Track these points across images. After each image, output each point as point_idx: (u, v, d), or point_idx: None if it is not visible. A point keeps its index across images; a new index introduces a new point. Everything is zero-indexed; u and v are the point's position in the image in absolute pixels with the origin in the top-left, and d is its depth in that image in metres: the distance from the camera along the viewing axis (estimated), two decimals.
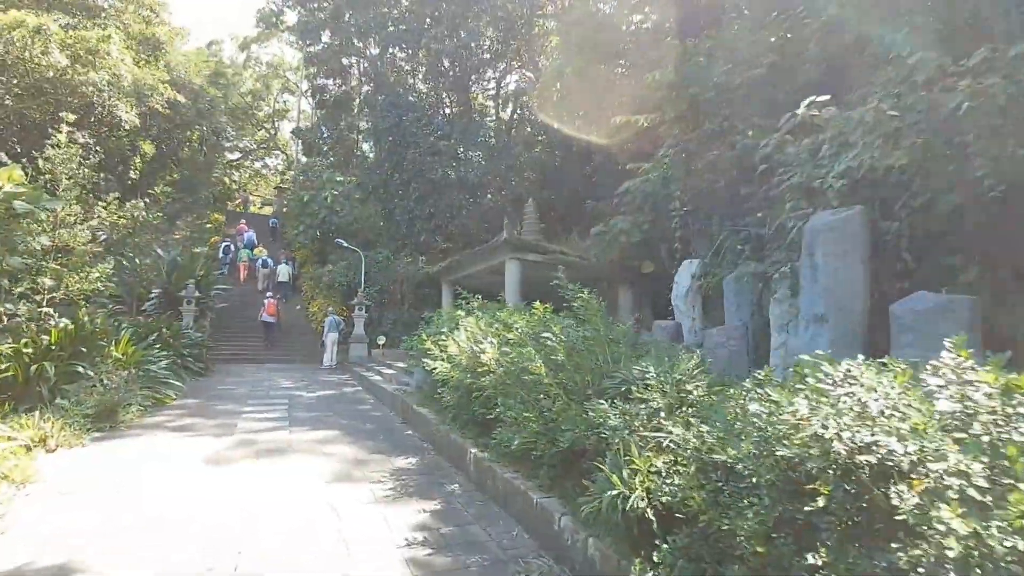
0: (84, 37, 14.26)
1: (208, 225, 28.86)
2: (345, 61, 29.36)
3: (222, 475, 5.27)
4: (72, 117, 8.61)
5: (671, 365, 4.05)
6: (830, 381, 2.47)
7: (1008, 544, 1.71)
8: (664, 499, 2.80)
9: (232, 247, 23.93)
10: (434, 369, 5.86)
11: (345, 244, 17.97)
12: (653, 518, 2.79)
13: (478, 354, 5.50)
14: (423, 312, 18.56)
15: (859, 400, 2.25)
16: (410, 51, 27.66)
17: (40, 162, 7.90)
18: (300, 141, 31.49)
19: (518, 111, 28.07)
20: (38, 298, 7.45)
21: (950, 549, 1.73)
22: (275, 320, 17.77)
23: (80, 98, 15.93)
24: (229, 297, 19.40)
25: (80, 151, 8.55)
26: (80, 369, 7.08)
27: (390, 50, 28.52)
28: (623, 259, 12.68)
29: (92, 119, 18.81)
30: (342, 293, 18.36)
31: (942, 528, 1.78)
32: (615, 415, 3.49)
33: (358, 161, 27.76)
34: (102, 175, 20.96)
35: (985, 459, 1.98)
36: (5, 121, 15.62)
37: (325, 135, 29.81)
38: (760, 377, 3.20)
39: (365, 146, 31.06)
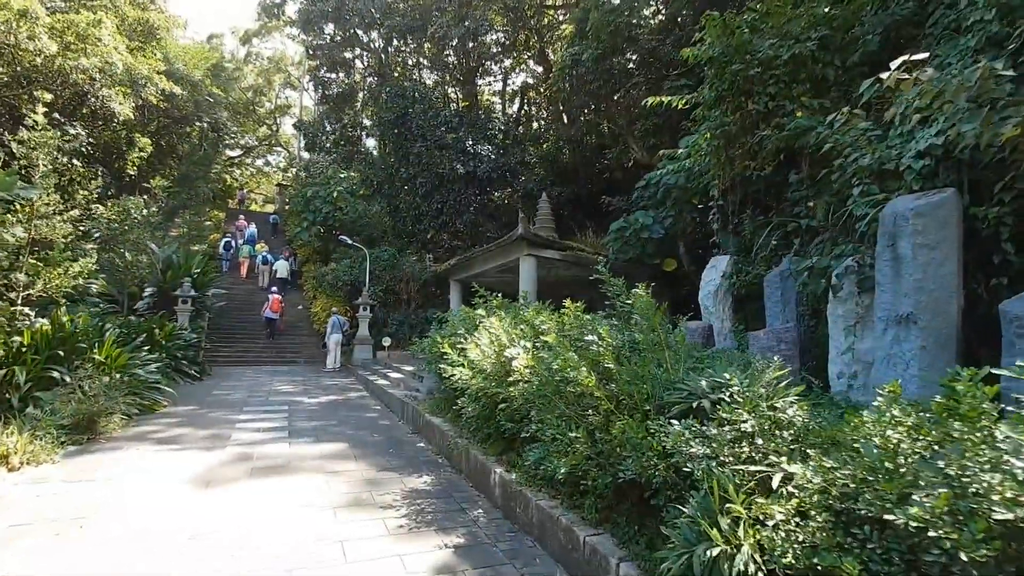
0: (73, 21, 13.57)
1: (207, 222, 28.23)
2: (348, 55, 28.74)
3: (210, 501, 4.56)
4: (48, 96, 7.90)
5: (749, 375, 3.34)
6: None
7: None
8: (787, 560, 2.08)
9: (233, 243, 23.53)
10: (452, 376, 5.14)
11: (349, 241, 17.28)
12: None
13: (506, 360, 4.79)
14: (430, 312, 17.96)
15: None
16: (415, 44, 27.02)
17: (14, 146, 7.20)
18: (302, 137, 30.78)
19: (525, 107, 27.39)
20: (12, 295, 6.75)
21: None
22: (278, 317, 17.63)
23: (71, 87, 15.25)
24: (228, 296, 18.74)
25: (60, 136, 7.81)
26: (56, 374, 6.38)
27: (395, 42, 27.90)
28: (643, 256, 11.97)
29: (85, 110, 18.15)
30: (346, 292, 17.66)
31: None
32: (695, 439, 2.78)
33: (362, 157, 27.08)
34: (99, 170, 20.34)
35: None
36: None
37: (328, 130, 29.16)
38: (886, 394, 2.48)
39: (369, 142, 30.42)
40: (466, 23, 20.16)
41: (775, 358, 6.22)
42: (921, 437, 2.08)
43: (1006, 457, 1.65)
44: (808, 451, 2.57)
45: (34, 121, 7.17)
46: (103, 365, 7.28)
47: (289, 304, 20.17)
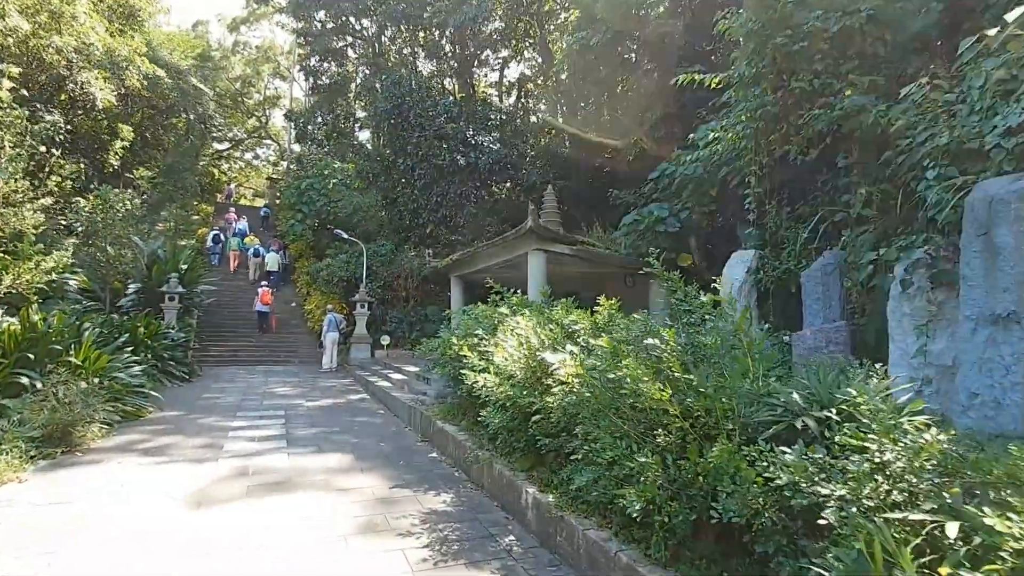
0: None
1: (195, 216, 27.35)
2: (340, 43, 27.85)
3: (203, 527, 3.93)
4: (15, 70, 7.16)
5: (857, 387, 2.77)
6: None
7: None
8: None
9: (222, 236, 22.88)
10: (474, 383, 4.54)
11: (345, 235, 16.58)
12: None
13: (538, 365, 4.20)
14: (429, 310, 17.34)
15: None
16: (409, 33, 26.21)
17: None
18: (293, 128, 29.86)
19: (523, 100, 26.69)
20: None
21: None
22: (270, 310, 17.33)
23: (47, 71, 14.38)
24: (218, 292, 17.97)
25: (27, 116, 7.07)
26: (26, 380, 5.70)
27: (388, 31, 27.07)
28: (658, 251, 11.41)
29: (63, 97, 17.25)
30: (342, 289, 16.97)
31: None
32: (819, 474, 2.20)
33: (356, 149, 26.29)
34: (79, 160, 19.43)
35: None
36: None
37: (320, 121, 28.29)
38: None
39: (363, 135, 29.59)
40: (464, 8, 19.46)
41: (822, 359, 5.69)
42: None
43: None
44: (974, 491, 2.01)
45: None
46: (80, 368, 6.60)
47: (281, 300, 19.43)
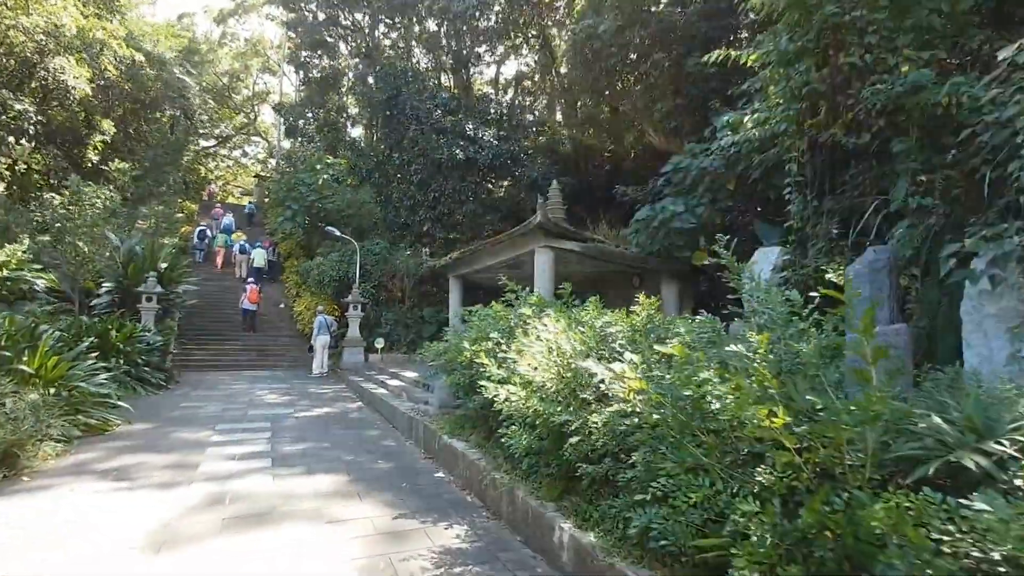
0: None
1: (179, 214, 26.35)
2: (331, 37, 27.01)
3: None
4: None
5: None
6: None
7: None
8: None
9: (208, 232, 22.15)
10: (495, 395, 3.80)
11: (337, 233, 15.74)
12: None
13: (577, 376, 3.49)
14: (426, 312, 16.55)
15: None
16: (403, 27, 25.45)
17: None
18: (283, 122, 28.94)
19: (520, 98, 25.99)
20: None
21: None
22: (257, 308, 16.74)
23: (15, 56, 13.43)
24: (202, 292, 17.05)
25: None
26: None
27: (382, 26, 26.31)
28: (672, 248, 10.77)
29: (34, 84, 16.26)
30: (333, 289, 16.13)
31: None
32: None
33: (348, 145, 25.46)
34: (53, 153, 18.44)
35: None
36: None
37: (310, 116, 27.41)
38: None
39: (355, 132, 28.74)
40: None
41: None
42: None
43: None
44: None
45: None
46: (34, 377, 5.77)
47: (270, 301, 18.55)
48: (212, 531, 3.87)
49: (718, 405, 2.21)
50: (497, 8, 21.29)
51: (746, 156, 9.85)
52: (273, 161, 38.32)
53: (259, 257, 19.76)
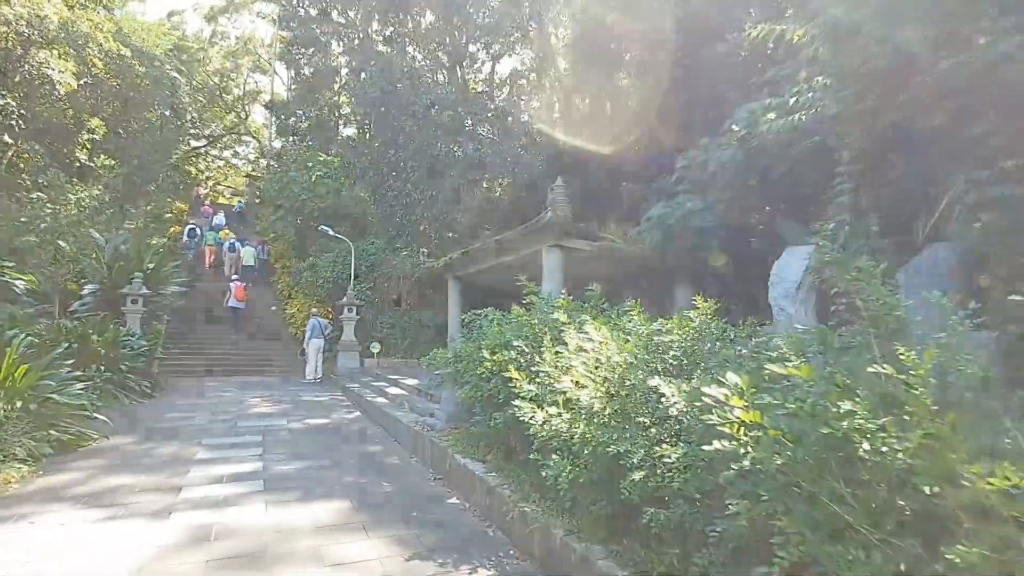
0: None
1: (168, 215, 25.64)
2: (324, 32, 26.35)
3: None
4: None
5: None
6: None
7: None
8: None
9: (198, 230, 21.68)
10: (531, 418, 3.24)
11: (332, 232, 15.12)
12: None
13: (633, 395, 2.94)
14: (424, 315, 15.96)
15: None
16: (396, 23, 24.80)
17: None
18: (274, 121, 28.23)
19: (515, 97, 25.45)
20: None
21: None
22: (244, 306, 16.31)
23: None
24: (191, 294, 16.38)
25: None
26: None
27: (375, 23, 25.67)
28: (690, 249, 10.26)
29: (17, 78, 15.57)
30: (327, 291, 15.50)
31: None
32: None
33: (340, 144, 24.81)
34: (34, 147, 17.71)
35: None
36: None
37: (301, 115, 26.76)
38: None
39: (348, 131, 28.05)
40: None
41: None
42: None
43: None
44: None
45: None
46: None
47: (261, 303, 17.87)
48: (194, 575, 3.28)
49: (868, 448, 1.67)
50: (495, 3, 20.78)
51: (770, 149, 9.36)
52: (264, 162, 37.60)
53: (248, 255, 19.36)
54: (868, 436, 1.70)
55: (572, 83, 19.37)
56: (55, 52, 14.50)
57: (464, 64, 24.06)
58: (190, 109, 32.19)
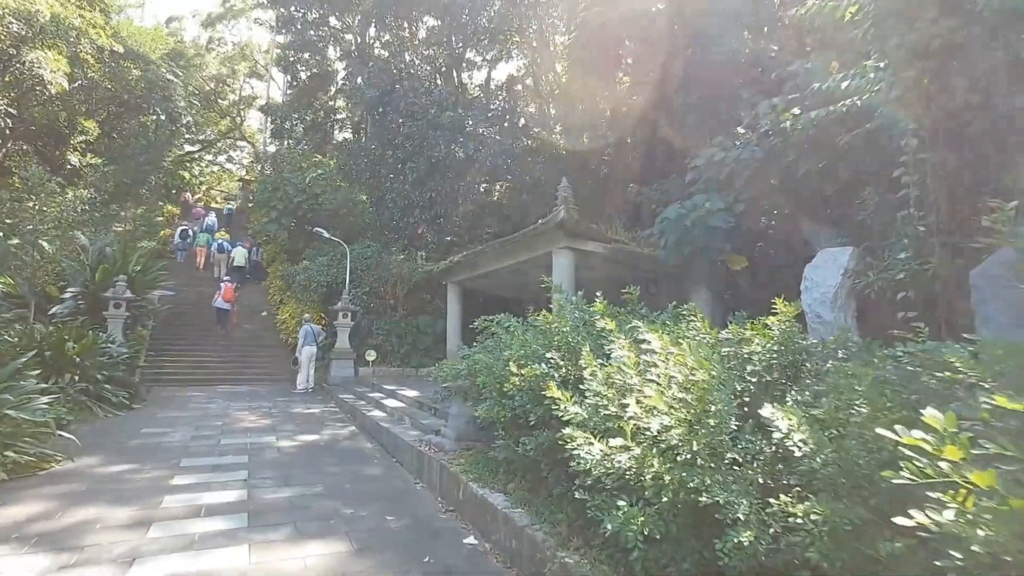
0: None
1: (159, 218, 24.92)
2: (321, 36, 25.79)
3: None
4: None
5: None
6: None
7: None
8: None
9: (190, 232, 21.18)
10: (587, 455, 2.56)
11: (326, 235, 14.44)
12: None
13: (722, 424, 2.28)
14: (421, 321, 15.25)
15: None
16: (394, 27, 24.25)
17: None
18: (270, 124, 27.66)
19: (511, 101, 24.91)
20: None
21: None
22: (232, 307, 15.72)
23: None
24: (179, 298, 15.64)
25: None
26: None
27: (372, 29, 25.12)
28: (708, 251, 9.65)
29: (8, 78, 14.97)
30: (321, 296, 14.79)
31: None
32: None
33: (336, 147, 24.19)
34: (22, 147, 17.05)
35: None
36: None
37: (296, 119, 26.17)
38: None
39: (343, 136, 27.43)
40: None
41: None
42: None
43: None
44: None
45: None
46: None
47: (251, 309, 17.12)
48: None
49: None
50: (497, 6, 20.25)
51: (795, 145, 8.80)
52: (258, 167, 36.92)
53: (239, 256, 18.86)
54: None
55: (571, 85, 18.87)
56: (47, 49, 13.93)
57: (462, 67, 23.55)
58: (185, 113, 31.67)
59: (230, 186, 41.81)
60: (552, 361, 3.74)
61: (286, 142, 25.97)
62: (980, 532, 1.21)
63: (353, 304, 14.06)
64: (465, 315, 14.32)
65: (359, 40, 25.51)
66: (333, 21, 25.34)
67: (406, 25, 24.35)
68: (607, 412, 2.87)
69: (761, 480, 2.17)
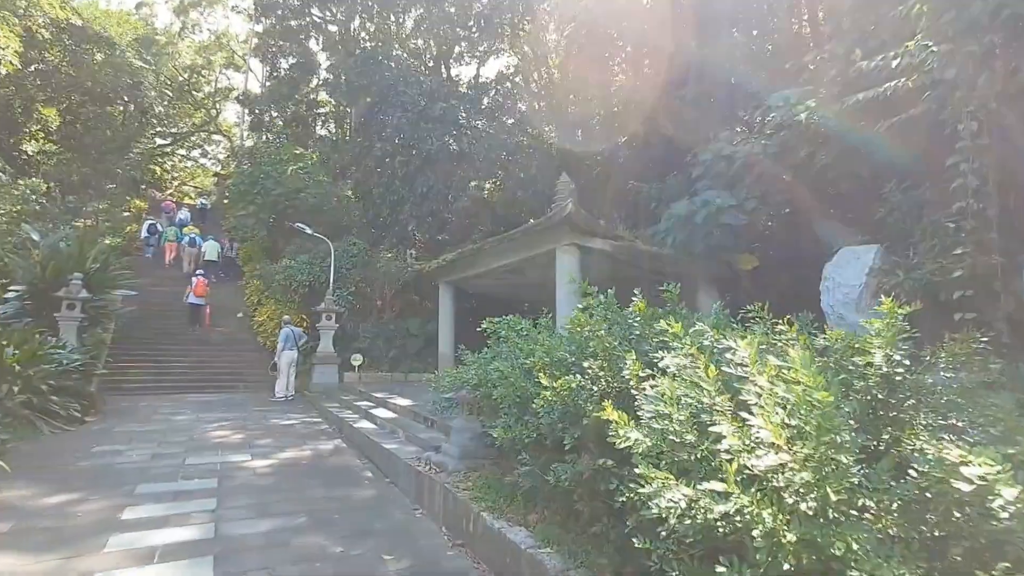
0: None
1: (126, 213, 23.59)
2: (302, 34, 24.77)
3: None
4: None
5: None
6: None
7: None
8: None
9: (159, 227, 20.11)
10: (670, 502, 1.89)
11: (309, 230, 13.56)
12: None
13: (843, 463, 1.63)
14: (410, 323, 14.44)
15: None
16: (379, 21, 23.37)
17: None
18: (248, 115, 26.50)
19: (499, 99, 24.24)
20: None
21: None
22: (204, 302, 14.89)
23: None
24: (145, 297, 14.58)
25: None
26: None
27: (357, 19, 24.22)
28: (716, 249, 9.11)
29: None
30: (302, 296, 13.90)
31: None
32: None
33: (319, 141, 23.19)
34: None
35: None
36: None
37: (275, 116, 25.09)
38: None
39: (325, 132, 26.37)
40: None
41: None
42: None
43: None
44: None
45: None
46: None
47: (226, 310, 16.09)
48: None
49: None
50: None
51: (811, 138, 8.31)
52: (236, 162, 35.62)
53: (211, 250, 17.99)
54: None
55: (566, 79, 18.29)
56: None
57: (451, 62, 22.80)
58: (156, 104, 30.28)
59: (204, 183, 40.27)
60: (590, 372, 3.06)
61: (265, 135, 24.90)
62: None
63: (337, 305, 13.21)
64: (458, 317, 13.59)
65: (343, 32, 24.58)
66: (315, 11, 24.35)
67: (392, 17, 23.54)
68: (679, 440, 2.21)
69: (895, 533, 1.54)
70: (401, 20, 23.94)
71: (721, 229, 8.88)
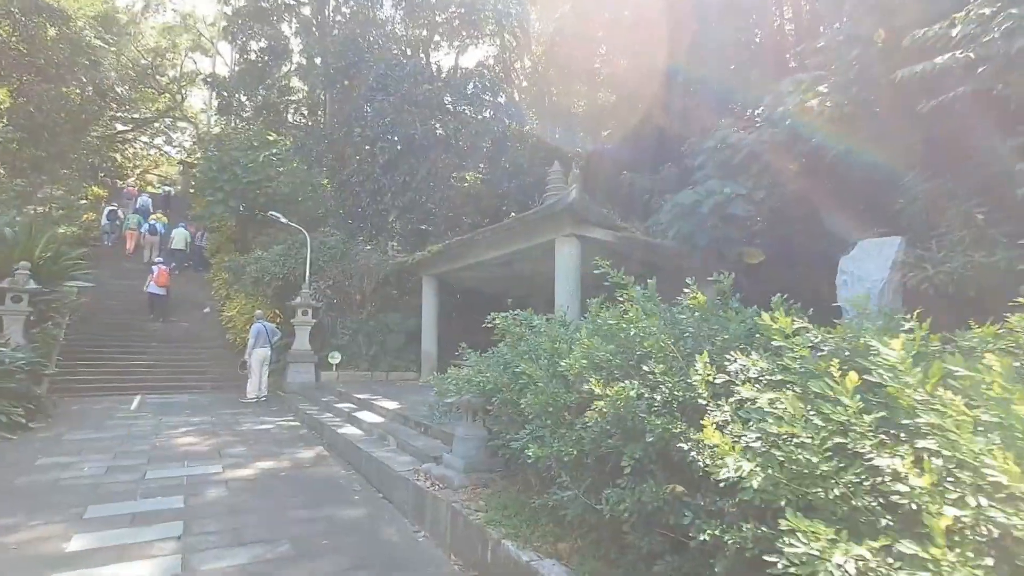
0: None
1: (83, 201, 22.09)
2: (273, 16, 23.55)
3: None
4: None
5: None
6: None
7: None
8: None
9: (120, 213, 19.01)
10: (829, 562, 1.38)
11: (283, 220, 12.71)
12: None
13: None
14: (391, 318, 13.69)
15: None
16: (355, 5, 22.32)
17: None
18: (215, 101, 25.16)
19: (479, 93, 23.47)
20: None
21: None
22: (165, 292, 14.00)
23: None
24: (103, 289, 13.53)
25: None
26: None
27: (332, 1, 23.12)
28: (723, 240, 8.72)
29: None
30: (275, 290, 13.02)
31: None
32: None
33: (292, 127, 22.12)
34: None
35: None
36: None
37: (245, 100, 23.87)
38: None
39: (299, 119, 25.22)
40: None
41: None
42: None
43: None
44: None
45: None
46: None
47: (191, 304, 15.09)
48: None
49: None
50: None
51: (823, 126, 7.96)
52: (202, 150, 33.98)
53: (179, 237, 17.03)
54: None
55: (554, 67, 17.77)
56: None
57: (430, 48, 21.97)
58: (117, 85, 28.57)
59: (169, 171, 38.40)
60: (651, 377, 2.52)
61: (234, 120, 23.67)
62: None
63: (314, 299, 12.41)
64: (442, 312, 12.96)
65: (318, 16, 23.46)
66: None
67: (368, 2, 22.55)
68: (808, 472, 1.70)
69: None
70: (379, 4, 22.99)
71: (726, 220, 8.49)
